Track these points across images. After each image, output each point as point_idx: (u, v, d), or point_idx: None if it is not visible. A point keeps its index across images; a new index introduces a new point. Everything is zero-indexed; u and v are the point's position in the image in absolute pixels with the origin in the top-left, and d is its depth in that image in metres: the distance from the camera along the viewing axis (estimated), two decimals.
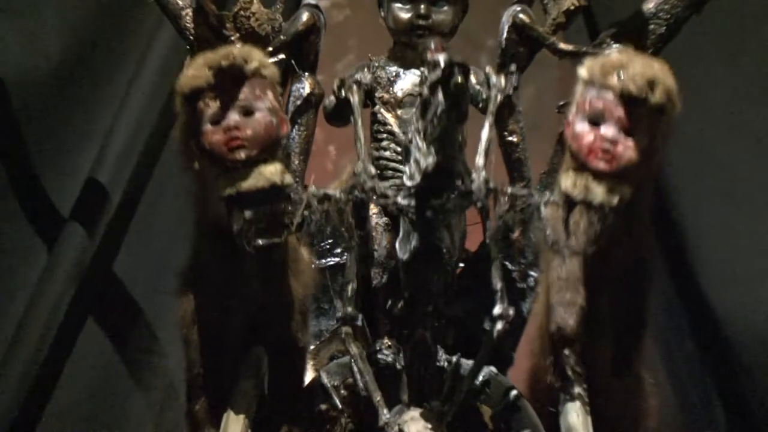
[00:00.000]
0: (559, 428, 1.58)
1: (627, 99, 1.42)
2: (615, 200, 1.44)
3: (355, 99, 1.62)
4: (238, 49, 1.45)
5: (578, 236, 1.48)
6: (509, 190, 1.56)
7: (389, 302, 1.63)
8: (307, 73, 1.72)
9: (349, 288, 1.60)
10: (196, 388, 1.63)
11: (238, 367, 1.60)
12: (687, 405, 2.19)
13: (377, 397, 1.56)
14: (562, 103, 1.66)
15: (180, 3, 1.66)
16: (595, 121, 1.44)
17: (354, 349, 1.59)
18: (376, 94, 1.67)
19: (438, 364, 1.61)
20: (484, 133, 1.57)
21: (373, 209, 1.71)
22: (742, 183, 2.06)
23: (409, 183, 1.50)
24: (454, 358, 1.62)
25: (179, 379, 1.71)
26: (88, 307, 2.00)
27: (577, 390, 1.57)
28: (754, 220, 2.05)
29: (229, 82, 1.44)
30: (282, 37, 1.66)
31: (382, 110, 1.66)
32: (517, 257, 1.66)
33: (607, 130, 1.43)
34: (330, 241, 1.66)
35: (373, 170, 1.57)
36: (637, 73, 1.42)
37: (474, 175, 1.52)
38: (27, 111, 1.94)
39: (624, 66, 1.43)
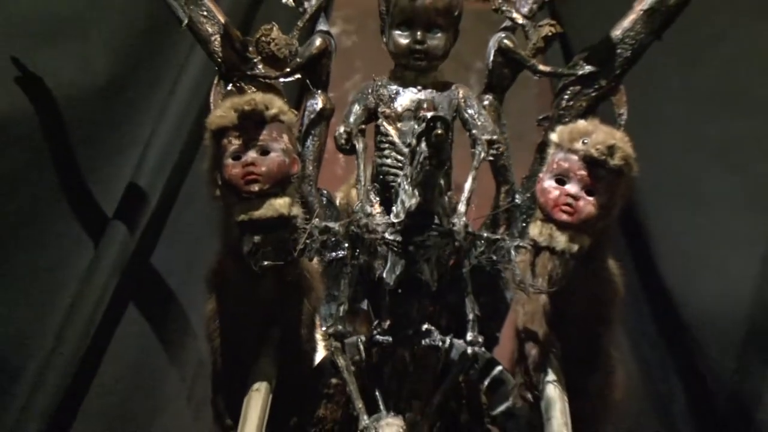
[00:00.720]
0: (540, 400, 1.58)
1: (589, 162, 1.45)
2: (575, 248, 1.47)
3: (360, 146, 1.63)
4: (261, 96, 1.47)
5: (543, 278, 1.50)
6: (485, 234, 1.60)
7: (374, 323, 1.63)
8: (320, 91, 1.72)
9: (341, 309, 1.61)
10: (218, 382, 1.64)
11: (258, 351, 1.60)
12: (649, 377, 2.18)
13: (359, 404, 1.56)
14: (541, 116, 1.66)
15: (209, 29, 1.66)
16: (561, 179, 1.47)
17: (341, 361, 1.59)
18: (379, 110, 1.65)
19: (433, 343, 1.59)
20: (467, 185, 1.59)
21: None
22: (698, 188, 2.06)
23: (395, 220, 1.52)
24: (448, 339, 1.61)
25: (207, 357, 1.70)
26: (129, 294, 2.00)
27: (553, 368, 1.57)
28: (707, 223, 2.04)
29: (250, 124, 1.46)
30: (298, 59, 1.66)
31: (384, 123, 1.64)
32: (504, 262, 1.66)
33: (571, 188, 1.47)
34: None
35: (368, 209, 1.59)
36: (599, 141, 1.45)
37: (455, 219, 1.54)
38: (77, 124, 1.94)
39: (589, 134, 1.46)
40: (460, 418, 1.66)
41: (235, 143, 1.47)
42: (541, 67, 1.66)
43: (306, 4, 1.69)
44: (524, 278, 1.53)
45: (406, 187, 1.50)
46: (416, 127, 1.47)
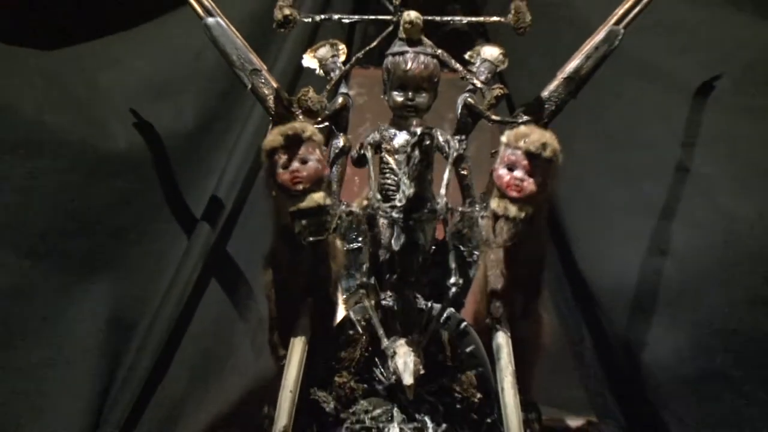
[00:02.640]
0: (492, 345, 1.60)
1: (529, 155, 1.47)
2: (522, 215, 1.50)
3: (369, 155, 1.65)
4: (299, 124, 1.50)
5: (501, 236, 1.53)
6: (460, 209, 1.62)
7: (387, 274, 1.63)
8: (341, 134, 1.71)
9: (364, 267, 1.63)
10: (273, 327, 1.66)
11: (299, 312, 1.61)
12: (566, 328, 2.17)
13: (380, 331, 1.57)
14: (493, 151, 1.65)
15: (265, 91, 1.65)
16: (510, 167, 1.50)
17: (367, 302, 1.60)
18: (383, 146, 1.65)
19: (419, 307, 1.61)
20: (445, 175, 1.61)
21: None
22: (602, 199, 2.05)
23: (398, 204, 1.52)
24: (429, 303, 1.62)
25: (265, 315, 1.72)
26: (211, 272, 1.99)
27: (502, 323, 1.59)
28: (607, 223, 2.04)
29: (293, 143, 1.48)
30: (327, 112, 1.65)
31: (385, 155, 1.64)
32: (467, 244, 1.66)
33: (518, 173, 1.49)
34: (354, 234, 1.66)
35: (379, 197, 1.60)
36: (535, 139, 1.48)
37: (438, 200, 1.55)
38: (175, 156, 1.95)
39: (528, 135, 1.49)
40: (437, 358, 1.64)
41: (283, 157, 1.49)
42: (494, 117, 1.65)
43: (332, 74, 1.68)
44: (488, 237, 1.56)
45: (405, 181, 1.49)
46: (411, 139, 1.54)
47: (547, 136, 1.50)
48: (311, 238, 1.52)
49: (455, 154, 1.64)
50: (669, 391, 1.92)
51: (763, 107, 1.84)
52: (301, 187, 1.50)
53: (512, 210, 1.51)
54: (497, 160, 1.54)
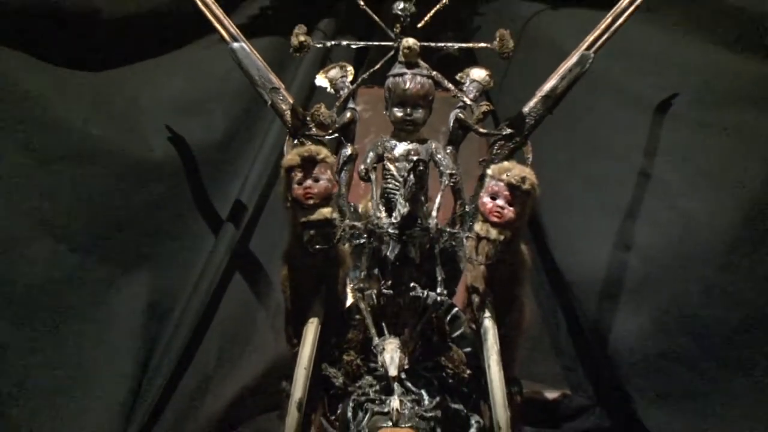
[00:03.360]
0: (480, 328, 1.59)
1: (510, 186, 1.47)
2: (502, 238, 1.50)
3: (373, 177, 1.63)
4: (313, 147, 1.50)
5: (482, 255, 1.52)
6: (448, 230, 1.62)
7: (381, 283, 1.61)
8: (349, 144, 1.69)
9: (362, 274, 1.62)
10: (288, 318, 1.64)
11: (311, 302, 1.60)
12: (544, 314, 2.16)
13: (373, 330, 1.56)
14: (481, 159, 1.66)
15: (283, 107, 1.65)
16: (493, 196, 1.49)
17: (362, 304, 1.60)
18: (385, 155, 1.64)
19: (417, 294, 1.60)
20: (437, 199, 1.60)
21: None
22: (573, 201, 2.05)
23: (394, 221, 1.53)
24: (425, 292, 1.61)
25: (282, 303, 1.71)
26: (235, 266, 1.98)
27: (488, 308, 1.57)
28: (578, 222, 2.04)
29: (308, 163, 1.48)
30: (336, 125, 1.64)
31: (387, 163, 1.63)
32: (459, 246, 1.65)
33: (499, 202, 1.49)
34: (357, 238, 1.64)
35: (379, 215, 1.59)
36: (516, 174, 1.47)
37: (430, 220, 1.55)
38: (204, 165, 1.95)
39: (510, 169, 1.48)
40: (432, 339, 1.64)
41: (298, 175, 1.49)
42: (481, 130, 1.65)
43: (341, 92, 1.68)
44: (471, 255, 1.55)
45: (401, 201, 1.51)
46: (407, 165, 1.54)
47: (527, 172, 1.50)
48: (318, 246, 1.52)
49: (446, 181, 1.62)
50: (632, 367, 1.92)
51: (715, 122, 1.84)
52: (312, 201, 1.50)
53: (493, 233, 1.51)
54: (483, 189, 1.54)
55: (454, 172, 1.63)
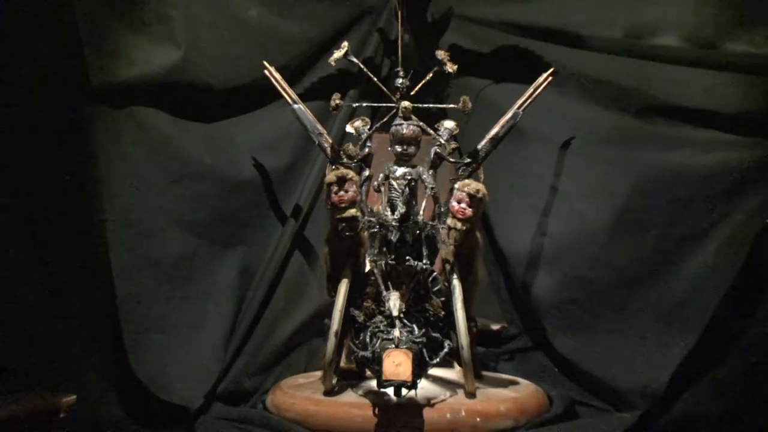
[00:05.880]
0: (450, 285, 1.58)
1: (470, 195, 1.47)
2: (464, 228, 1.51)
3: (383, 189, 1.60)
4: (344, 170, 1.50)
5: (451, 239, 1.52)
6: (430, 223, 1.58)
7: (385, 261, 1.56)
8: (367, 168, 1.66)
9: (375, 251, 1.57)
10: (328, 279, 1.63)
11: (343, 270, 1.58)
12: (492, 277, 2.08)
13: (383, 286, 1.54)
14: (451, 179, 1.64)
15: (325, 145, 1.64)
16: (459, 201, 1.49)
17: (376, 270, 1.56)
18: (389, 176, 1.61)
19: (410, 264, 1.58)
20: (423, 204, 1.59)
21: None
22: (510, 205, 1.99)
23: (396, 218, 1.53)
24: (416, 262, 1.58)
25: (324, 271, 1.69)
26: (295, 246, 1.90)
27: (455, 273, 1.56)
28: (512, 218, 2.00)
29: (341, 180, 1.48)
30: (359, 156, 1.63)
31: (391, 181, 1.60)
32: (437, 234, 1.60)
33: (462, 205, 1.49)
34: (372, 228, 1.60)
35: (387, 212, 1.55)
36: (473, 187, 1.47)
37: (419, 217, 1.55)
38: (276, 182, 1.86)
39: (469, 184, 1.49)
40: (420, 293, 1.63)
41: (335, 188, 1.49)
42: (451, 160, 1.64)
43: (362, 135, 1.66)
44: (445, 239, 1.55)
45: (400, 204, 1.52)
46: (404, 182, 1.54)
47: (480, 186, 1.51)
48: (347, 233, 1.52)
49: (429, 193, 1.59)
50: (546, 310, 1.90)
51: (598, 155, 1.83)
52: (343, 205, 1.50)
53: (458, 225, 1.51)
54: (452, 197, 1.53)
55: (433, 186, 1.61)
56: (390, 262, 1.56)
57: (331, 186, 1.53)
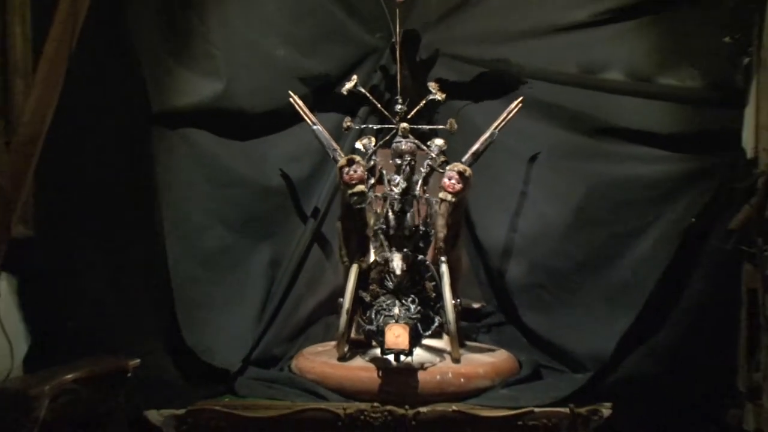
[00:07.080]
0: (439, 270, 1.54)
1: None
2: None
3: (388, 188, 1.58)
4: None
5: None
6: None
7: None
8: (372, 176, 1.65)
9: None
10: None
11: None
12: (472, 260, 1.97)
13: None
14: (440, 186, 1.60)
15: (339, 158, 1.59)
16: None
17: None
18: (390, 179, 1.60)
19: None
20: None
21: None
22: (488, 205, 1.94)
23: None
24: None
25: (337, 249, 1.63)
26: (314, 239, 1.84)
27: (444, 260, 1.55)
28: (489, 216, 1.95)
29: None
30: (366, 166, 1.61)
31: (392, 186, 1.59)
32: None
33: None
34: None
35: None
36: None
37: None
38: (299, 188, 1.84)
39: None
40: (415, 279, 1.57)
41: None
42: (440, 170, 1.63)
43: (369, 151, 1.66)
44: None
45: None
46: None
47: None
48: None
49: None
50: (517, 292, 1.88)
51: (560, 167, 1.83)
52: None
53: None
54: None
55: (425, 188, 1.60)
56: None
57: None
